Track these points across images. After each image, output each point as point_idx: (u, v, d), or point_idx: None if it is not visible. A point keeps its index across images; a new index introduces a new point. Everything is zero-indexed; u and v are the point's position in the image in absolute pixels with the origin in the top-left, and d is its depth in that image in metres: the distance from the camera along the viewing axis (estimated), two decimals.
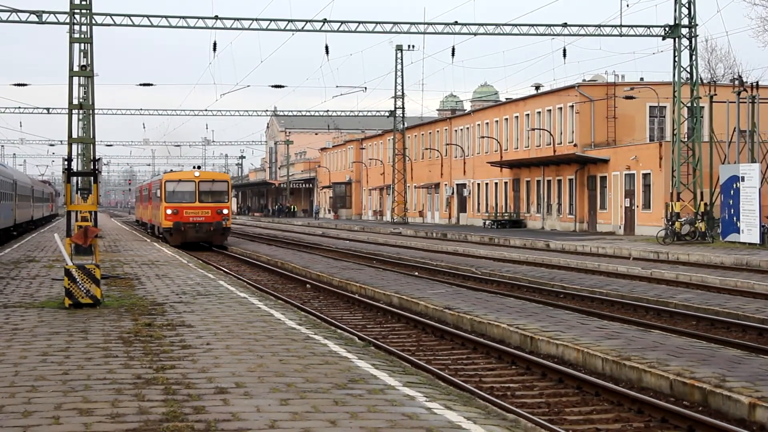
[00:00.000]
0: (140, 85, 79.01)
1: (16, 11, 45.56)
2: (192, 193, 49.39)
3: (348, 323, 21.05)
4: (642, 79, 67.82)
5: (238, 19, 49.64)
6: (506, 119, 76.69)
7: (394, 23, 51.57)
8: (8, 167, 65.17)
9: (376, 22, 51.02)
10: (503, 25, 51.50)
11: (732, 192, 44.82)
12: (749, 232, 43.47)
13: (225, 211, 49.61)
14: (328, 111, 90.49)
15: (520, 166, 72.44)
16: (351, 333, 18.16)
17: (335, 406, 9.98)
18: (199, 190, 49.39)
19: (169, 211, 49.01)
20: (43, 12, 45.97)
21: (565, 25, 51.08)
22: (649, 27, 50.72)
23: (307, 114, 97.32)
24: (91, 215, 24.28)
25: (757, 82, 49.85)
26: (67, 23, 40.05)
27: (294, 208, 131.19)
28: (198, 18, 49.23)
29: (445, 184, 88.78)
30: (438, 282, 29.22)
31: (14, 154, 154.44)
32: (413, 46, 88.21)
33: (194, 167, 51.86)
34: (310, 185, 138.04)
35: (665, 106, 62.33)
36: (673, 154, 49.81)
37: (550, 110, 69.63)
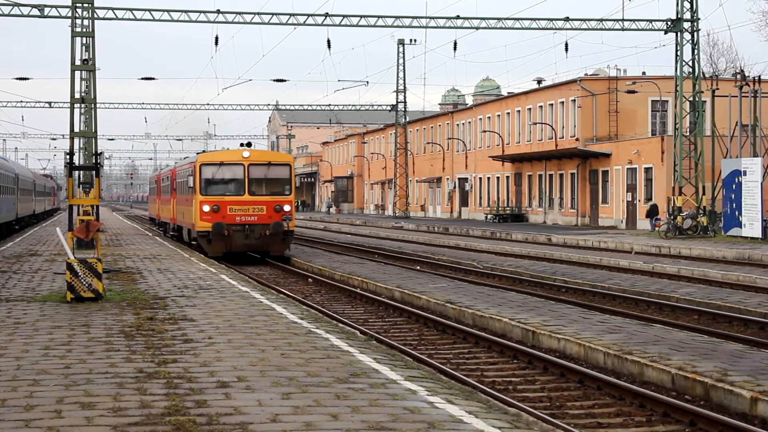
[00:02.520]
0: (142, 79, 78.82)
1: (18, 5, 45.52)
2: (239, 182, 35.55)
3: (350, 317, 21.06)
4: (644, 73, 67.72)
5: (239, 13, 49.57)
6: (508, 113, 76.62)
7: (396, 17, 51.52)
8: (10, 161, 65.16)
9: (378, 16, 50.96)
10: (505, 19, 51.44)
11: (734, 186, 44.78)
12: (751, 227, 43.44)
13: (287, 208, 35.53)
14: (330, 105, 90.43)
15: (521, 161, 72.38)
16: (353, 327, 18.16)
17: (337, 400, 9.99)
18: (249, 177, 35.47)
19: (206, 208, 35.03)
20: (45, 6, 45.93)
21: (567, 19, 51.02)
22: (651, 21, 50.65)
23: (309, 108, 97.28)
24: (93, 209, 24.29)
25: (759, 76, 49.77)
26: (68, 17, 39.97)
27: (303, 202, 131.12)
28: (200, 12, 49.17)
29: (447, 179, 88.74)
30: (440, 276, 29.23)
31: (16, 148, 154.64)
32: (415, 40, 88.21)
33: (242, 144, 37.04)
34: (312, 179, 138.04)
35: (667, 101, 62.26)
36: (675, 149, 49.76)
37: (552, 104, 69.56)
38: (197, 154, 38.93)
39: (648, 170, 57.43)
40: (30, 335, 14.48)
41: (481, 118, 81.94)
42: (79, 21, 36.42)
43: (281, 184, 35.92)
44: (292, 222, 35.36)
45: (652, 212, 53.38)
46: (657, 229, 51.06)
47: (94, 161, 23.11)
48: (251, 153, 35.87)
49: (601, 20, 51.39)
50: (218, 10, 48.98)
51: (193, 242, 38.08)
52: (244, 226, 34.93)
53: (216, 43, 51.78)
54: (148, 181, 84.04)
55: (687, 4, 49.57)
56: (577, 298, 23.75)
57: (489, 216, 74.22)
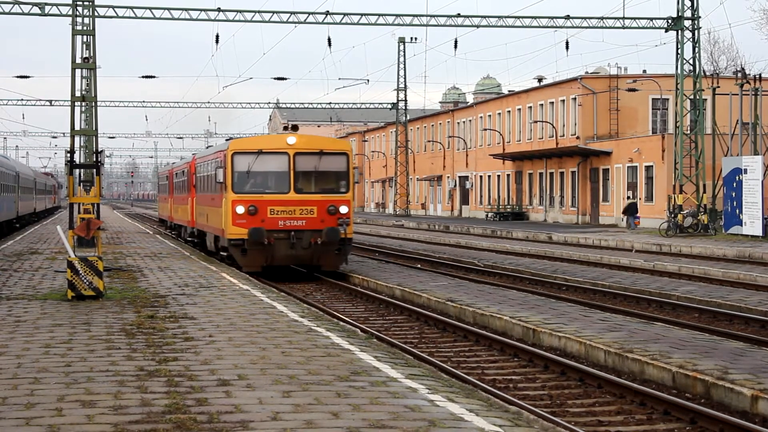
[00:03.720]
0: (143, 77, 78.83)
1: (19, 3, 45.51)
2: (283, 177, 27.85)
3: (350, 315, 21.05)
4: (645, 71, 67.72)
5: (240, 12, 49.57)
6: (509, 111, 76.61)
7: (397, 15, 51.51)
8: (11, 159, 65.18)
9: (379, 15, 50.96)
10: (506, 17, 51.43)
11: (734, 184, 44.77)
12: (752, 225, 43.43)
13: (343, 210, 27.71)
14: (330, 103, 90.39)
15: (522, 159, 72.38)
16: (353, 325, 18.16)
17: (338, 398, 9.99)
18: (295, 170, 27.73)
19: (240, 209, 27.43)
20: (46, 4, 45.92)
21: (567, 17, 51.01)
22: (651, 19, 50.63)
23: (310, 106, 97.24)
24: (93, 207, 24.30)
25: (760, 75, 49.79)
26: (69, 15, 39.97)
27: None
28: (200, 10, 49.17)
29: (448, 177, 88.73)
30: (440, 274, 29.23)
31: (17, 146, 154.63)
32: (416, 39, 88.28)
33: (286, 127, 30.06)
34: None
35: (668, 99, 62.25)
36: (676, 147, 49.75)
37: (552, 102, 69.55)
38: (227, 140, 31.76)
39: (649, 168, 57.43)
40: (31, 333, 14.48)
41: (481, 117, 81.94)
42: (79, 19, 36.43)
43: (336, 179, 28.16)
44: (350, 227, 27.51)
45: (630, 210, 54.04)
46: (636, 226, 51.83)
47: (94, 159, 23.12)
48: (298, 139, 27.85)
49: (602, 18, 51.38)
50: (219, 8, 48.98)
51: (221, 252, 29.46)
52: (289, 233, 27.09)
53: (217, 41, 51.78)
54: (157, 177, 69.95)
55: (688, 2, 49.56)
56: (578, 297, 23.75)
57: (489, 214, 74.23)
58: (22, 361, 12.11)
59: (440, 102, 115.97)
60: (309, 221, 27.26)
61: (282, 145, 27.87)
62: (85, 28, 36.11)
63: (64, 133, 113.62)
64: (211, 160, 31.82)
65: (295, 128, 28.63)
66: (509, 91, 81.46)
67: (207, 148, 41.74)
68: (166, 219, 54.35)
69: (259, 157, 27.77)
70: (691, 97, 49.94)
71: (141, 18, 48.73)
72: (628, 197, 58.02)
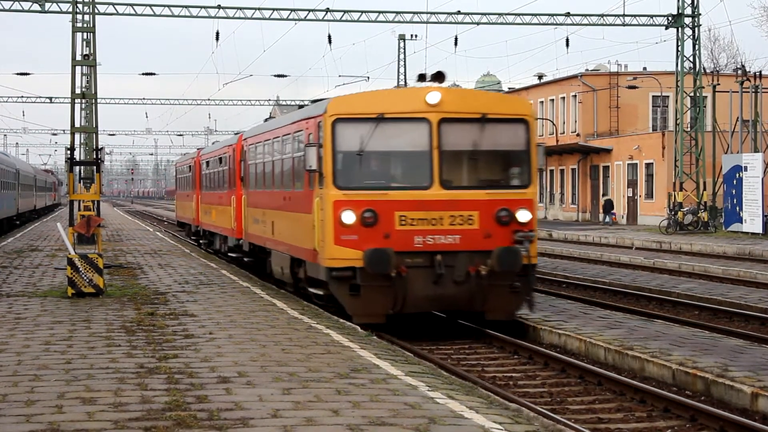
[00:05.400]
0: (143, 74, 78.76)
1: (19, 0, 45.49)
2: (422, 160, 16.99)
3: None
4: (645, 68, 67.70)
5: (240, 9, 49.54)
6: None
7: (397, 12, 51.50)
8: (11, 156, 65.21)
9: (379, 12, 50.94)
10: (506, 14, 51.40)
11: (735, 182, 44.76)
12: (752, 222, 43.42)
13: (523, 216, 16.99)
14: None
15: None
16: (353, 323, 18.14)
17: (338, 395, 9.99)
18: (441, 149, 16.88)
19: (348, 216, 16.63)
20: (46, 1, 45.91)
21: (568, 14, 50.98)
22: (652, 16, 50.61)
23: (309, 104, 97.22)
24: (93, 204, 24.29)
25: (760, 72, 49.80)
26: (69, 12, 39.96)
27: None
28: (200, 7, 49.14)
29: None
30: None
31: (17, 143, 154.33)
32: (416, 36, 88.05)
33: (422, 76, 17.61)
34: None
35: (668, 96, 62.23)
36: (676, 144, 49.73)
37: (553, 100, 69.55)
38: (313, 102, 20.70)
39: (649, 166, 57.43)
40: (31, 330, 14.49)
41: None
42: (79, 16, 36.45)
43: (510, 164, 17.57)
44: (533, 246, 16.87)
45: (606, 207, 54.69)
46: (613, 222, 52.75)
47: (94, 156, 23.11)
48: (445, 95, 16.92)
49: (602, 16, 51.36)
50: (219, 5, 48.96)
51: (309, 288, 18.47)
52: (432, 258, 16.46)
53: (217, 38, 51.74)
54: (175, 170, 53.43)
55: (688, 0, 49.54)
56: (578, 294, 23.74)
57: None
58: (23, 358, 12.11)
59: None
60: (466, 237, 16.58)
61: (418, 105, 16.81)
62: (85, 25, 36.12)
63: (64, 131, 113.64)
64: (282, 137, 20.93)
65: (439, 77, 17.27)
66: (509, 88, 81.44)
67: (267, 120, 29.75)
68: (189, 222, 42.41)
69: (380, 127, 16.76)
70: (692, 94, 49.90)
71: (141, 15, 48.71)
72: (604, 194, 59.37)
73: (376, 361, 12.16)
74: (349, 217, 16.51)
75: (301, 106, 22.78)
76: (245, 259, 26.91)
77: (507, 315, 17.21)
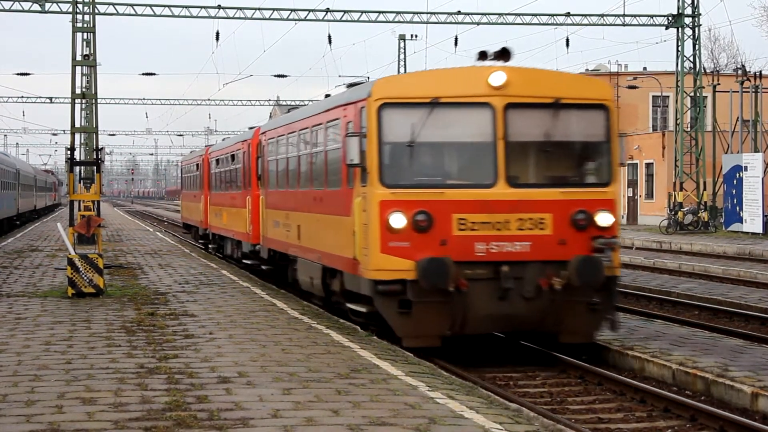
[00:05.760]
0: (143, 74, 78.78)
1: (19, 0, 45.50)
2: (484, 152, 14.61)
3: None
4: (645, 68, 67.70)
5: (240, 9, 49.55)
6: None
7: (397, 13, 51.50)
8: (11, 156, 65.22)
9: (379, 12, 50.95)
10: (506, 14, 51.41)
11: (735, 182, 44.77)
12: (752, 222, 43.43)
13: (604, 219, 14.60)
14: None
15: None
16: (353, 323, 18.14)
17: (338, 395, 9.99)
18: (507, 139, 14.47)
19: (397, 220, 14.24)
20: (46, 1, 45.92)
21: (568, 14, 50.99)
22: (652, 16, 50.61)
23: (309, 104, 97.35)
24: (94, 205, 24.30)
25: (761, 72, 49.81)
26: (69, 12, 39.95)
27: None
28: (201, 7, 49.15)
29: None
30: None
31: (17, 143, 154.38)
32: (416, 36, 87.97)
33: (484, 54, 14.96)
34: None
35: (668, 96, 62.23)
36: (676, 144, 49.73)
37: None
38: (349, 86, 17.39)
39: (649, 166, 57.43)
40: (31, 330, 14.49)
41: None
42: (79, 16, 36.44)
43: (587, 156, 15.36)
44: (616, 255, 14.76)
45: None
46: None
47: (94, 157, 23.11)
48: (511, 75, 14.69)
49: (602, 16, 51.37)
50: (219, 5, 48.97)
51: (348, 303, 16.05)
52: (496, 268, 14.30)
53: (217, 38, 51.75)
54: (180, 169, 50.48)
55: (688, 0, 49.54)
56: None
57: None
58: (23, 358, 12.12)
59: None
60: (537, 244, 14.36)
61: (480, 87, 14.55)
62: (85, 25, 36.13)
63: (64, 131, 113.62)
64: (312, 128, 18.38)
65: (504, 55, 14.89)
66: None
67: (297, 107, 26.51)
68: (196, 225, 39.73)
69: (435, 114, 14.49)
70: (692, 94, 49.90)
71: (141, 15, 48.73)
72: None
73: (377, 361, 12.17)
74: (398, 221, 14.18)
75: (327, 95, 20.84)
76: (263, 267, 24.36)
77: (585, 337, 14.81)
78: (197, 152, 42.08)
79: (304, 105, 21.49)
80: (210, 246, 35.58)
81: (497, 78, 14.52)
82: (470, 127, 14.66)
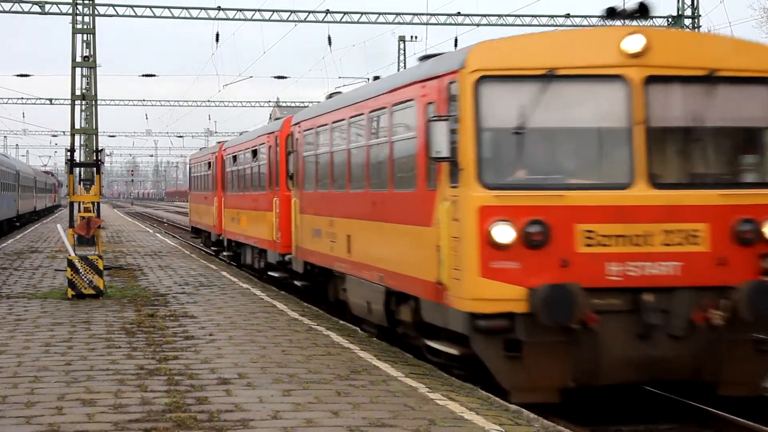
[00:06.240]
0: (143, 75, 78.94)
1: (19, 2, 45.50)
2: (618, 141, 11.15)
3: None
4: None
5: (240, 10, 49.57)
6: None
7: (397, 14, 51.52)
8: (11, 158, 65.23)
9: (379, 13, 50.97)
10: (506, 15, 51.44)
11: None
12: None
13: None
14: None
15: None
16: (353, 324, 18.14)
17: (338, 396, 9.99)
18: (650, 124, 11.00)
19: (502, 232, 10.84)
20: (46, 2, 45.92)
21: (568, 15, 51.01)
22: (652, 17, 50.64)
23: (310, 105, 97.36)
24: (93, 206, 24.31)
25: None
26: (69, 14, 39.98)
27: None
28: (200, 9, 49.17)
29: None
30: None
31: (17, 144, 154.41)
32: (416, 37, 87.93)
33: (610, 10, 12.33)
34: None
35: None
36: None
37: None
38: (423, 58, 14.24)
39: None
40: (31, 332, 14.48)
41: None
42: (79, 18, 36.48)
43: (752, 148, 11.78)
44: None
45: None
46: None
47: (94, 158, 23.12)
48: (651, 38, 11.19)
49: (603, 17, 51.37)
50: (219, 6, 48.99)
51: (428, 343, 12.70)
52: (636, 297, 10.90)
53: (217, 39, 51.79)
54: (188, 168, 46.29)
55: (688, 1, 49.59)
56: None
57: None
58: (23, 359, 12.11)
59: None
60: (690, 264, 11.07)
61: (610, 55, 11.28)
62: (85, 26, 36.16)
63: (64, 132, 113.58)
64: (369, 115, 14.87)
65: (643, 11, 12.15)
66: None
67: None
68: (207, 230, 36.29)
69: (551, 90, 11.19)
70: None
71: (141, 16, 48.73)
72: None
73: (376, 362, 12.16)
74: (505, 233, 10.81)
75: (331, 95, 19.07)
76: (297, 283, 20.79)
77: (750, 389, 11.34)
78: (209, 149, 38.39)
79: (306, 106, 19.90)
80: (224, 254, 31.75)
81: (634, 42, 11.11)
82: (598, 107, 11.26)
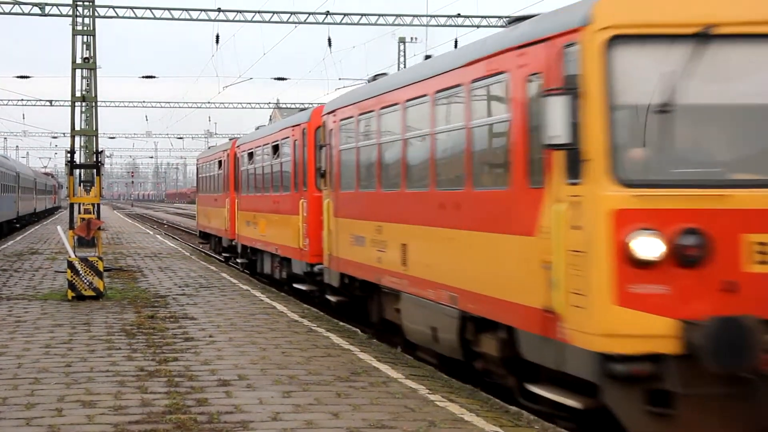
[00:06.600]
0: (143, 77, 78.78)
1: (19, 3, 45.50)
2: None
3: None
4: None
5: (240, 12, 49.57)
6: None
7: (397, 15, 51.54)
8: (11, 159, 65.24)
9: (379, 15, 50.98)
10: (506, 17, 51.46)
11: None
12: None
13: None
14: None
15: None
16: (353, 325, 18.14)
17: (338, 398, 9.99)
18: None
19: (648, 246, 8.21)
20: (46, 4, 45.93)
21: None
22: None
23: (310, 107, 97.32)
24: (94, 207, 24.32)
25: None
26: (69, 15, 39.99)
27: None
28: (201, 10, 49.17)
29: None
30: None
31: (17, 146, 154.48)
32: (416, 39, 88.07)
33: None
34: None
35: None
36: None
37: None
38: (513, 21, 11.00)
39: None
40: (31, 333, 14.48)
41: None
42: (79, 19, 36.50)
43: None
44: None
45: None
46: None
47: (94, 159, 23.13)
48: None
49: None
50: (219, 8, 48.99)
51: (531, 388, 9.87)
52: None
53: (217, 41, 51.83)
54: (197, 167, 43.36)
55: None
56: None
57: None
58: (23, 361, 12.11)
59: None
60: None
61: None
62: (85, 28, 36.17)
63: (64, 134, 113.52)
64: (435, 96, 12.18)
65: None
66: None
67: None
68: (218, 234, 33.79)
69: (707, 55, 8.49)
70: None
71: (141, 18, 48.72)
72: None
73: (377, 364, 12.15)
74: (649, 247, 8.28)
75: (428, 57, 15.58)
76: (331, 300, 17.99)
77: None
78: (220, 146, 35.52)
79: (306, 107, 18.38)
80: (238, 260, 29.23)
81: None
82: None
